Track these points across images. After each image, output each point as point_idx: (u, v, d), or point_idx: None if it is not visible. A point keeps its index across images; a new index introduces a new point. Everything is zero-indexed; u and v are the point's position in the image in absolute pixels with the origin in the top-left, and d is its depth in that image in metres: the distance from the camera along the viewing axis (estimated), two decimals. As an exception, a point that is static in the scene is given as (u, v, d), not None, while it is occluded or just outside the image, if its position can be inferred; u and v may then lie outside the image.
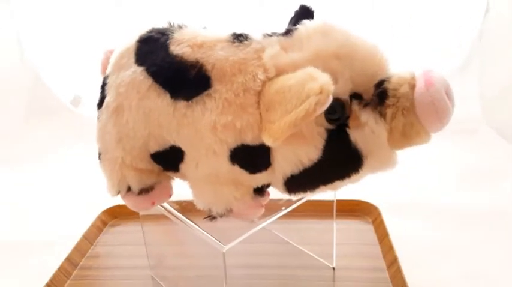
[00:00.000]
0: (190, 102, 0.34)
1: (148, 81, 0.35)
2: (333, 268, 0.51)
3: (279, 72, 0.32)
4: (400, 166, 0.34)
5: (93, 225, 0.62)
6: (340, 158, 0.32)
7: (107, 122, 0.38)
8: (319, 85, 0.28)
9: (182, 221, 0.41)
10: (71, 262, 0.55)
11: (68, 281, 0.52)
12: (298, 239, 0.56)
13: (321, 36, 0.32)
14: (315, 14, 0.38)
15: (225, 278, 0.38)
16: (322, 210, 0.62)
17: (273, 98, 0.31)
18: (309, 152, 0.32)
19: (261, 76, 0.32)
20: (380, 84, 0.31)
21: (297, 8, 0.38)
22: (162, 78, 0.35)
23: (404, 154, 0.34)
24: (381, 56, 0.33)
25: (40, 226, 0.68)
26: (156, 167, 0.39)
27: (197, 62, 0.34)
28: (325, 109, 0.28)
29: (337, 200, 0.63)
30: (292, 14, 0.38)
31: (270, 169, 0.34)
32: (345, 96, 0.31)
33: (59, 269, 0.53)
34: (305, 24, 0.34)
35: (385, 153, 0.32)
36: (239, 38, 0.34)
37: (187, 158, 0.36)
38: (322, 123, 0.31)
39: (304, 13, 0.38)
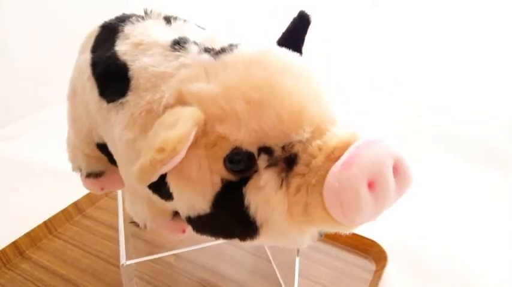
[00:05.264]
0: (109, 105, 0.31)
1: (88, 71, 0.34)
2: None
3: (180, 102, 0.26)
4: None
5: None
6: (231, 219, 0.26)
7: (68, 101, 0.38)
8: (162, 140, 0.22)
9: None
10: (77, 208, 0.59)
11: (67, 224, 0.57)
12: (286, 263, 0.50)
13: (242, 68, 0.25)
14: (312, 22, 0.31)
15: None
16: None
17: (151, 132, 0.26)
18: (197, 201, 0.27)
19: (165, 100, 0.27)
20: (289, 147, 0.24)
21: (295, 13, 0.31)
22: (96, 72, 0.33)
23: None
24: (313, 109, 0.25)
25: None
26: (104, 156, 0.38)
27: (124, 65, 0.30)
28: (171, 166, 0.23)
29: (353, 234, 0.55)
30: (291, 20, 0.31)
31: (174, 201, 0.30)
32: (251, 147, 0.25)
33: (63, 211, 0.57)
34: (241, 48, 0.27)
35: (283, 228, 0.26)
36: (175, 47, 0.30)
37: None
38: (219, 171, 0.26)
39: (301, 21, 0.31)
